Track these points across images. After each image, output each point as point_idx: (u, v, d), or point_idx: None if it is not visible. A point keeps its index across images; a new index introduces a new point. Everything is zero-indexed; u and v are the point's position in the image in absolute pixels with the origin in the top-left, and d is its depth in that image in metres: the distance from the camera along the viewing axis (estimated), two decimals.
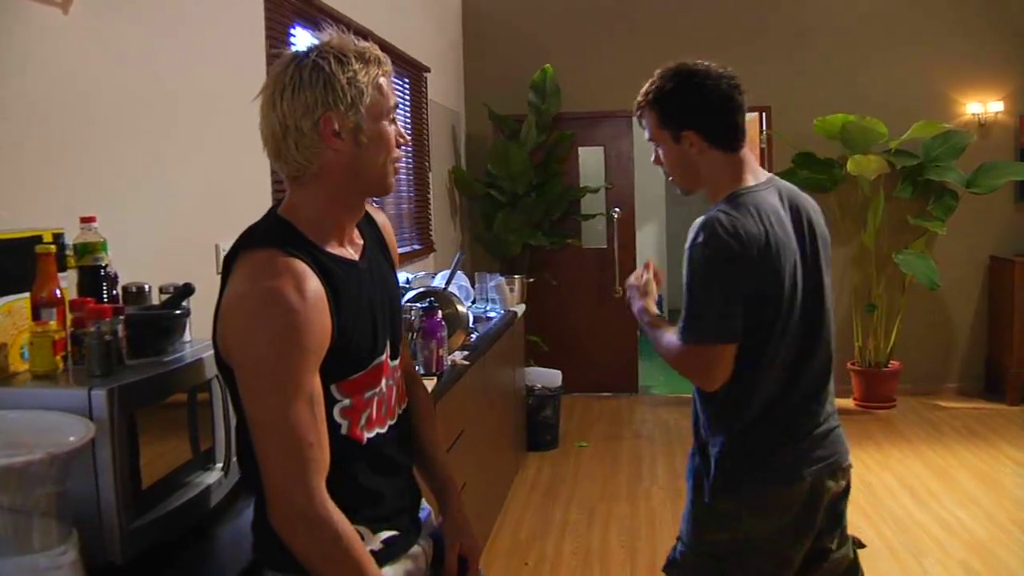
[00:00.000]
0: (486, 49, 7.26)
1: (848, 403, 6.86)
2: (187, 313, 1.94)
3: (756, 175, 2.14)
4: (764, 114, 7.05)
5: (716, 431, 2.13)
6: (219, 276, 1.57)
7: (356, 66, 1.52)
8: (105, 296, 1.97)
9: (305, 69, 1.50)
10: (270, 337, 1.43)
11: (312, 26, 3.91)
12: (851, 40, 6.94)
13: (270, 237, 1.53)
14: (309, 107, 1.49)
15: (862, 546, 2.30)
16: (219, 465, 1.96)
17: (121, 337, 1.70)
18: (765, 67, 6.84)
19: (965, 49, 6.89)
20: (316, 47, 1.53)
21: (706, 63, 2.12)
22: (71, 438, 1.41)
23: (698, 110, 2.10)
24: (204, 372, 1.89)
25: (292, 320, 1.43)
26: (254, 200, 3.29)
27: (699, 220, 2.04)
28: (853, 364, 6.88)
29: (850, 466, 2.21)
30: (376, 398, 1.64)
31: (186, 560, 1.76)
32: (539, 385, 5.75)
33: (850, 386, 6.90)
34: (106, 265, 1.98)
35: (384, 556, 1.62)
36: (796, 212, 2.13)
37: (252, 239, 1.53)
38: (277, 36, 3.47)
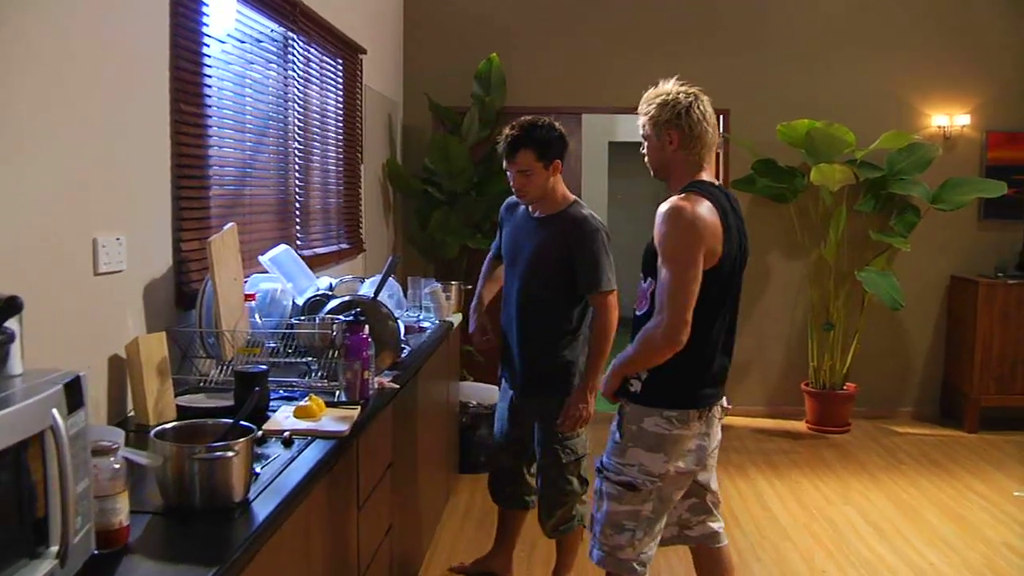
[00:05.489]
0: (428, 34, 6.69)
1: (800, 426, 6.50)
2: (11, 339, 1.40)
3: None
4: (722, 117, 6.50)
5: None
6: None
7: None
8: None
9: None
10: None
11: None
12: (816, 42, 6.55)
13: None
14: None
15: None
16: (54, 549, 1.42)
17: None
18: (724, 66, 6.41)
19: (932, 59, 6.56)
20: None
21: None
22: None
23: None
24: (37, 421, 1.36)
25: None
26: (146, 187, 2.73)
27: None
28: (807, 385, 6.52)
29: None
30: None
31: None
32: (474, 402, 5.24)
33: (803, 408, 6.54)
34: None
35: None
36: None
37: None
38: (187, 6, 2.91)
